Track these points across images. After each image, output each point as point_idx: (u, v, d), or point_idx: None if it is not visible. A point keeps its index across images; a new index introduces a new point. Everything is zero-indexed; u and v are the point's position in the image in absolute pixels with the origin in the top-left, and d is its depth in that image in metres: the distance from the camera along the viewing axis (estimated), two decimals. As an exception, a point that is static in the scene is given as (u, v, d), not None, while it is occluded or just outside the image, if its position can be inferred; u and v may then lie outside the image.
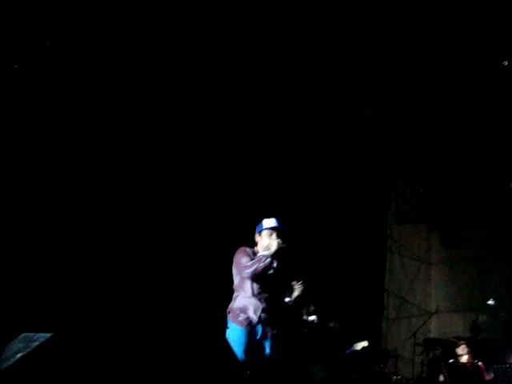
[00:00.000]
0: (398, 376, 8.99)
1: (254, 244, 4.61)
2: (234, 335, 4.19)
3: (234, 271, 4.50)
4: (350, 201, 9.46)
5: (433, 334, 10.60)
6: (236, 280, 4.49)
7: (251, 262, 4.33)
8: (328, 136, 8.91)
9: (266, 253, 4.39)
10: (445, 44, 7.25)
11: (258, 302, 4.37)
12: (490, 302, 10.46)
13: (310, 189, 8.80)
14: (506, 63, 7.28)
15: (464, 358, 7.43)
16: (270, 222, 4.55)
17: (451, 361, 7.57)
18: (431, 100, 8.60)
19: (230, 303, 4.50)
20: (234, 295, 4.48)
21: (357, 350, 7.19)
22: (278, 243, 4.39)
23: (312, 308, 7.93)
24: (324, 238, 8.98)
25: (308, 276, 4.87)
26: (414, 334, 9.53)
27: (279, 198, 7.68)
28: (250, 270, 4.29)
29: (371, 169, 9.85)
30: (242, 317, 4.29)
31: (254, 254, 4.49)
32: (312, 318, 7.87)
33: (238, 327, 4.26)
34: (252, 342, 4.29)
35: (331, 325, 7.94)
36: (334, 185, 9.26)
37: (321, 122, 8.63)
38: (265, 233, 4.53)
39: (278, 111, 8.01)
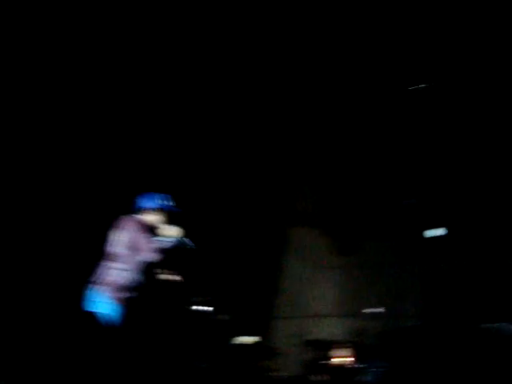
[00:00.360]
0: (279, 373, 9.13)
1: (132, 211, 4.28)
2: (110, 311, 3.89)
3: (123, 240, 4.06)
4: (253, 200, 9.47)
5: (319, 336, 10.85)
6: (119, 249, 4.06)
7: (161, 245, 4.11)
8: (240, 137, 8.91)
9: (172, 238, 4.20)
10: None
11: (139, 278, 4.15)
12: (375, 309, 10.90)
13: (217, 183, 8.74)
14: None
15: (343, 360, 7.72)
16: (168, 202, 4.35)
17: (331, 361, 7.83)
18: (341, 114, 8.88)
19: (96, 272, 4.07)
20: (109, 265, 4.06)
21: (244, 345, 7.19)
22: (182, 234, 4.22)
23: (205, 299, 7.87)
24: (225, 234, 8.95)
25: (205, 268, 4.76)
26: (301, 335, 9.71)
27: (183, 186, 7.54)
28: (158, 253, 4.05)
29: (278, 171, 9.90)
30: (121, 293, 3.97)
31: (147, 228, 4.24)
32: (204, 308, 7.81)
33: (115, 303, 3.94)
34: (127, 318, 4.06)
35: (221, 317, 7.91)
36: (240, 183, 9.25)
37: (235, 122, 8.63)
38: (162, 212, 4.32)
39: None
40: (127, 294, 4.07)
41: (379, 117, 8.95)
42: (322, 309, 11.30)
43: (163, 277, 4.65)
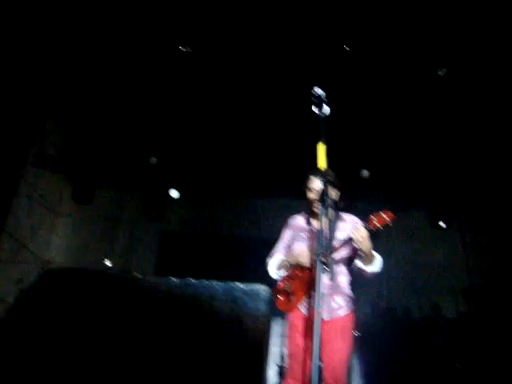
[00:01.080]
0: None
1: None
2: None
3: None
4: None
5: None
6: None
7: None
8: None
9: None
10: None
11: None
12: (107, 262, 11.03)
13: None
14: None
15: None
16: None
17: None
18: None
19: None
20: None
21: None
22: None
23: None
24: None
25: None
26: (22, 280, 9.34)
27: None
28: None
29: (19, 103, 9.15)
30: None
31: None
32: None
33: None
34: None
35: None
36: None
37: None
38: None
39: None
40: None
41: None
42: (49, 255, 10.97)
43: None
